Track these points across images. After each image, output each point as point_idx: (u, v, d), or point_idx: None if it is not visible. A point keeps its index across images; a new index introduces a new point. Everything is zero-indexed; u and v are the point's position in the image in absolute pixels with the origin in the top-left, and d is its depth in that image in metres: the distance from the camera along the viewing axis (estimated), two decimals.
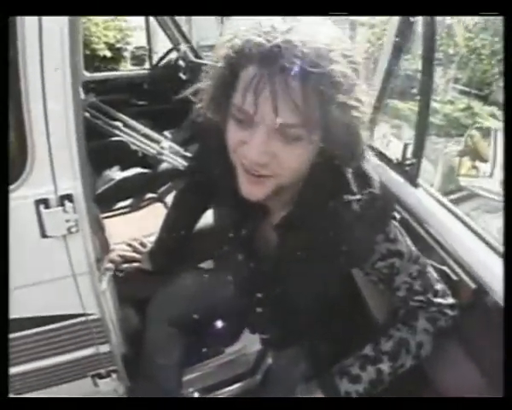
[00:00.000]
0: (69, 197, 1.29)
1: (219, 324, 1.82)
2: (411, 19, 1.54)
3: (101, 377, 1.73)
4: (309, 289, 1.20)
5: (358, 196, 1.04)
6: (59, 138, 1.25)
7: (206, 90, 0.99)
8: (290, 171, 0.94)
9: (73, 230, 1.32)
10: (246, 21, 0.92)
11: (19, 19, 1.09)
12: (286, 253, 1.15)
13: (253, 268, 1.27)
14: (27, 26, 1.10)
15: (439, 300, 1.15)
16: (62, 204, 1.28)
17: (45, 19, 1.11)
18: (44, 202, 1.27)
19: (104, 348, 1.65)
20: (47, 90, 1.19)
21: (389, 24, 1.70)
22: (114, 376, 1.75)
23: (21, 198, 1.26)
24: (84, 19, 4.51)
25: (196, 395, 1.84)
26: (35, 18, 1.10)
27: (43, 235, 1.31)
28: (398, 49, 1.69)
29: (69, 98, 1.22)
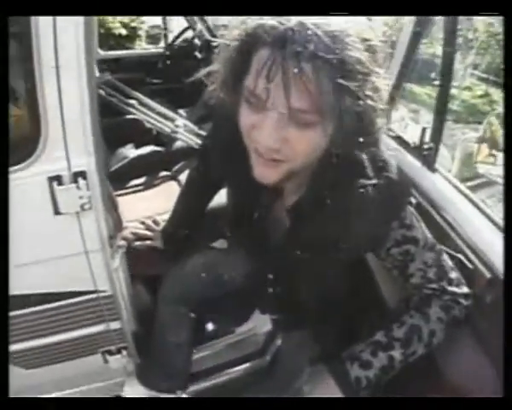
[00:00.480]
0: (82, 174, 1.29)
1: (230, 303, 1.82)
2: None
3: (111, 353, 1.75)
4: (320, 272, 1.19)
5: (374, 181, 1.02)
6: (72, 115, 1.24)
7: (218, 72, 0.97)
8: (302, 156, 0.92)
9: (86, 207, 1.32)
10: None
11: None
12: (297, 236, 1.14)
13: (265, 249, 1.26)
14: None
15: (453, 288, 1.13)
16: (76, 181, 1.28)
17: None
18: (58, 179, 1.27)
19: (115, 325, 1.66)
20: (60, 66, 1.18)
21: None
22: (124, 353, 1.76)
23: (34, 175, 1.26)
24: None
25: (179, 393, 1.84)
26: None
27: (57, 212, 1.31)
28: (417, 33, 1.66)
29: (83, 74, 1.22)
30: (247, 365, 2.06)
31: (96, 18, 3.62)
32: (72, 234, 1.37)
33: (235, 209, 1.32)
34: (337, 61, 0.80)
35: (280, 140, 0.88)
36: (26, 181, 1.27)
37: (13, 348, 1.56)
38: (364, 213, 1.03)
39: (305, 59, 0.79)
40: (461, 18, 1.40)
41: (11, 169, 1.25)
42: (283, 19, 0.82)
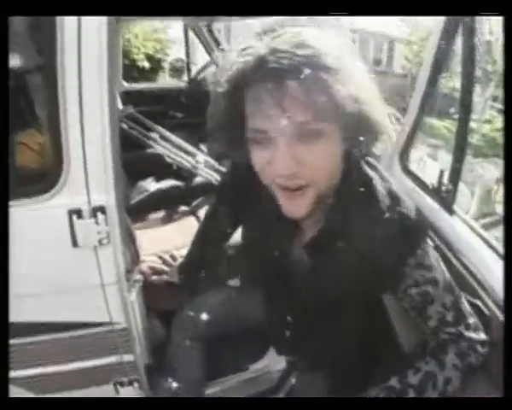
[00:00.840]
0: (102, 209, 1.31)
1: (244, 341, 1.81)
2: (451, 35, 1.51)
3: (122, 384, 1.74)
4: (339, 314, 1.19)
5: (387, 215, 1.02)
6: (94, 150, 1.28)
7: (214, 117, 1.01)
8: (322, 172, 0.94)
9: (104, 241, 1.34)
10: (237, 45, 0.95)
11: (59, 24, 1.13)
12: (315, 275, 1.14)
13: (284, 290, 1.26)
14: (66, 31, 1.14)
15: (470, 334, 1.11)
16: (95, 216, 1.31)
17: (84, 24, 1.15)
18: (77, 213, 1.30)
19: (128, 358, 1.66)
20: (84, 99, 1.22)
21: (428, 40, 1.67)
22: (136, 385, 1.76)
23: (55, 207, 1.29)
24: (124, 29, 4.59)
25: None
26: (75, 23, 1.14)
27: (75, 244, 1.33)
28: (437, 67, 1.65)
29: (105, 109, 1.25)
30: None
31: (120, 50, 3.75)
32: (89, 267, 1.39)
33: (252, 247, 1.32)
34: (310, 64, 0.85)
35: (294, 163, 0.90)
36: (46, 212, 1.30)
37: (27, 372, 1.58)
38: (379, 249, 1.03)
39: (286, 75, 0.84)
40: (480, 50, 1.41)
41: (33, 199, 1.28)
42: (258, 52, 0.88)
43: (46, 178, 1.31)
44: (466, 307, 1.14)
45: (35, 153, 1.50)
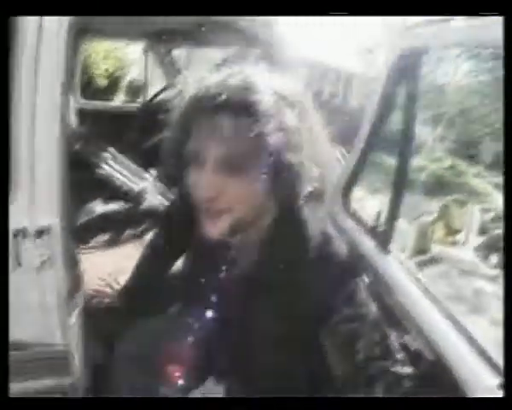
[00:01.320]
0: (46, 231, 1.32)
1: (181, 368, 1.82)
2: (399, 76, 1.58)
3: None
4: (271, 343, 1.22)
5: (316, 255, 1.09)
6: (42, 172, 1.30)
7: (165, 140, 1.08)
8: (240, 203, 1.02)
9: (47, 264, 1.35)
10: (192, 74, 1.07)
11: (19, 25, 1.15)
12: (248, 304, 1.19)
13: (217, 317, 1.29)
14: (26, 32, 1.16)
15: (397, 369, 1.16)
16: (39, 237, 1.32)
17: (46, 26, 1.17)
18: (22, 233, 1.30)
19: (67, 380, 1.65)
20: (36, 114, 1.25)
21: (378, 78, 1.74)
22: None
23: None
24: (86, 45, 4.55)
25: None
26: (35, 24, 1.16)
27: (18, 263, 1.33)
28: (385, 104, 1.72)
29: (56, 129, 1.29)
30: None
31: (80, 65, 3.72)
32: (30, 287, 1.39)
33: (190, 275, 1.36)
34: (245, 106, 0.94)
35: (215, 188, 0.98)
36: None
37: None
38: (308, 287, 1.09)
39: (218, 110, 0.95)
40: (432, 89, 1.46)
41: None
42: (206, 86, 0.98)
43: None
44: (393, 343, 1.19)
45: None
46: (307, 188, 1.07)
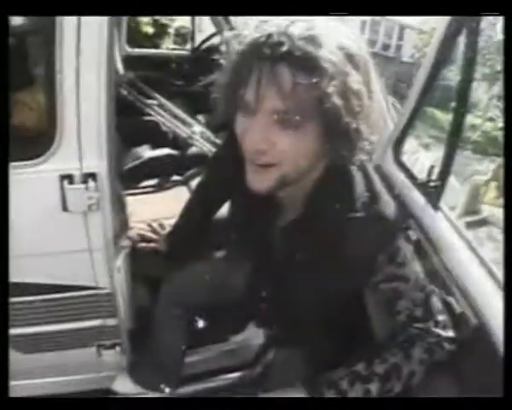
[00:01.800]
0: (93, 176, 1.34)
1: (227, 312, 1.85)
2: (456, 31, 1.50)
3: (105, 347, 1.79)
4: (312, 295, 1.21)
5: (361, 214, 1.06)
6: (89, 115, 1.29)
7: (217, 85, 1.04)
8: (290, 160, 0.97)
9: (94, 208, 1.37)
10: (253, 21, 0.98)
11: None
12: (290, 257, 1.17)
13: (260, 266, 1.30)
14: None
15: (438, 331, 1.14)
16: (86, 182, 1.33)
17: None
18: (69, 178, 1.32)
19: (111, 322, 1.70)
20: (81, 61, 1.23)
21: (436, 31, 1.66)
22: (118, 349, 1.80)
23: (47, 171, 1.32)
24: None
25: (167, 390, 1.87)
26: None
27: (65, 209, 1.36)
28: (441, 59, 1.64)
29: (103, 72, 1.27)
30: (237, 374, 2.08)
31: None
32: (77, 231, 1.42)
33: (236, 223, 1.35)
34: (309, 61, 0.87)
35: (266, 142, 0.94)
36: (38, 176, 1.32)
37: (12, 332, 1.60)
38: (351, 245, 1.06)
39: (279, 61, 0.88)
40: (489, 46, 1.41)
41: (25, 163, 1.30)
42: (268, 31, 0.90)
43: (40, 142, 1.32)
44: (436, 304, 1.16)
45: (34, 112, 1.51)
46: (359, 152, 1.04)
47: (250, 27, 0.95)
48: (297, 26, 0.90)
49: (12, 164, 1.30)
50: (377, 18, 18.43)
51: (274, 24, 0.92)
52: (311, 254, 1.12)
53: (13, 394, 1.59)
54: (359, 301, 1.36)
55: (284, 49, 0.87)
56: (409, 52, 18.40)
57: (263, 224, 1.23)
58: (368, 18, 17.61)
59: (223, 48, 3.69)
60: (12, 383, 1.62)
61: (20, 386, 1.76)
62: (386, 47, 19.18)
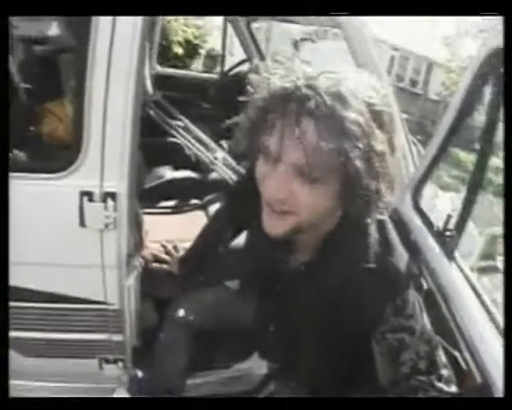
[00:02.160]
0: (113, 195, 1.36)
1: (232, 340, 1.85)
2: (485, 74, 1.49)
3: (107, 361, 1.80)
4: (317, 336, 1.21)
5: (373, 266, 1.05)
6: (114, 135, 1.33)
7: (240, 127, 1.04)
8: (308, 210, 0.97)
9: (111, 226, 1.39)
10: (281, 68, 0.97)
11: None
12: (298, 298, 1.17)
13: (269, 302, 1.30)
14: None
15: (441, 385, 1.13)
16: (105, 200, 1.36)
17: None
18: (89, 195, 1.35)
19: (117, 337, 1.71)
20: (111, 79, 1.27)
21: (468, 70, 1.65)
22: (120, 364, 1.81)
23: (68, 186, 1.35)
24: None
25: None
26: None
27: (82, 224, 1.38)
28: (470, 101, 1.61)
29: (131, 94, 1.30)
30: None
31: (158, 31, 3.77)
32: (92, 247, 1.44)
33: (250, 255, 1.36)
34: (335, 121, 0.87)
35: (286, 191, 0.94)
36: (60, 190, 1.35)
37: (18, 334, 1.63)
38: (359, 295, 1.06)
39: (305, 116, 0.87)
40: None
41: (47, 176, 1.34)
42: (296, 81, 0.90)
43: (65, 156, 1.36)
44: (441, 358, 1.14)
45: (63, 123, 1.54)
46: (377, 211, 1.04)
47: (277, 75, 0.96)
48: (324, 79, 0.90)
49: (35, 175, 1.33)
50: (406, 53, 18.49)
51: (302, 74, 0.92)
52: (319, 298, 1.12)
53: (11, 394, 1.62)
54: (365, 346, 1.35)
55: (311, 104, 0.87)
56: (436, 89, 18.38)
57: (275, 261, 1.23)
58: (397, 53, 17.68)
59: (251, 76, 3.76)
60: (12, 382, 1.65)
61: (18, 386, 1.77)
62: (413, 83, 19.20)
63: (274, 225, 1.02)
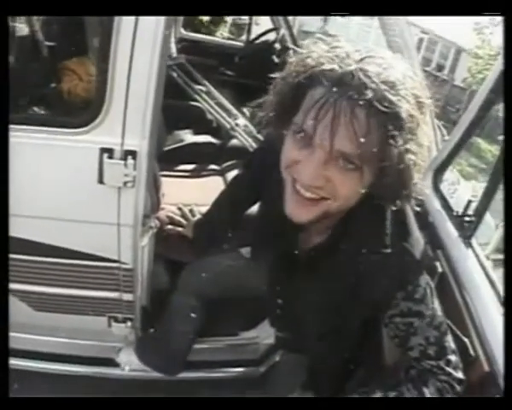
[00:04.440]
0: (133, 154, 1.35)
1: (242, 308, 1.86)
2: None
3: (116, 320, 1.82)
4: (327, 314, 1.21)
5: (388, 250, 1.05)
6: (137, 94, 1.31)
7: (270, 103, 1.02)
8: (342, 198, 0.95)
9: (129, 185, 1.39)
10: (320, 45, 0.95)
11: None
12: (310, 277, 1.17)
13: (281, 275, 1.29)
14: None
15: (450, 369, 1.12)
16: (125, 158, 1.35)
17: None
18: (109, 152, 1.34)
19: (127, 297, 1.72)
20: (137, 39, 1.25)
21: (497, 60, 1.61)
22: (129, 324, 1.83)
23: (89, 142, 1.34)
24: None
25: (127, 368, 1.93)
26: None
27: (100, 181, 1.38)
28: (497, 91, 1.56)
29: (157, 52, 1.28)
30: (240, 369, 2.10)
31: None
32: (109, 205, 1.45)
33: (264, 225, 1.35)
34: (390, 112, 0.84)
35: (323, 178, 0.91)
36: (79, 146, 1.35)
37: (30, 288, 1.67)
38: (370, 278, 1.06)
39: (360, 105, 0.84)
40: None
41: (68, 131, 1.33)
42: (343, 63, 0.88)
43: (86, 112, 1.35)
44: (450, 344, 1.14)
45: (83, 82, 1.54)
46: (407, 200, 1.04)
47: (318, 51, 0.93)
48: (373, 65, 0.87)
49: (55, 130, 1.33)
50: (435, 37, 18.13)
51: (349, 55, 0.89)
52: (331, 278, 1.12)
53: (15, 345, 1.65)
54: (372, 327, 1.35)
55: (369, 94, 0.83)
56: (462, 76, 18.04)
57: (289, 237, 1.21)
58: (425, 36, 17.34)
59: (277, 45, 3.71)
60: (17, 335, 1.71)
61: (26, 340, 1.83)
62: (440, 68, 18.85)
63: (300, 213, 0.99)
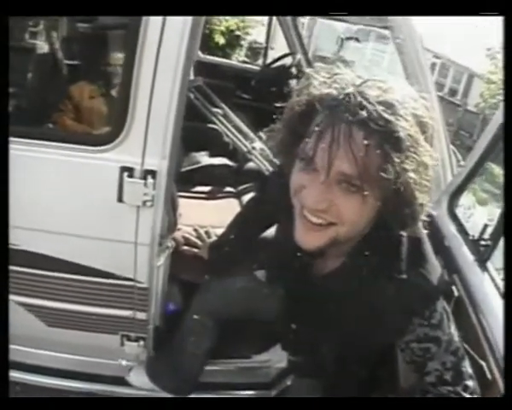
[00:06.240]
0: (153, 173, 1.37)
1: (255, 330, 1.85)
2: None
3: (129, 339, 1.82)
4: (342, 338, 1.20)
5: (404, 276, 1.04)
6: (159, 114, 1.34)
7: (278, 132, 1.04)
8: (348, 222, 0.95)
9: (148, 204, 1.41)
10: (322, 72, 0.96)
11: None
12: (325, 302, 1.16)
13: (295, 300, 1.29)
14: None
15: (466, 396, 1.11)
16: (145, 178, 1.37)
17: None
18: (129, 171, 1.37)
19: (141, 316, 1.73)
20: (160, 60, 1.28)
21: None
22: (141, 343, 1.83)
23: (109, 160, 1.37)
24: None
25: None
26: None
27: (120, 199, 1.40)
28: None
29: (178, 77, 1.31)
30: (251, 392, 2.09)
31: (203, 20, 3.78)
32: (127, 223, 1.46)
33: (280, 249, 1.35)
34: (387, 131, 0.86)
35: (326, 201, 0.92)
36: (101, 163, 1.37)
37: (44, 303, 1.68)
38: (387, 304, 1.05)
39: (357, 126, 0.85)
40: None
41: (88, 148, 1.36)
42: (343, 88, 0.89)
43: (107, 131, 1.39)
44: (467, 369, 1.12)
45: (105, 100, 1.56)
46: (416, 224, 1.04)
47: (319, 78, 0.95)
48: (372, 87, 0.89)
49: (76, 147, 1.36)
50: (448, 62, 18.17)
51: (349, 80, 0.91)
52: (346, 304, 1.11)
53: (26, 359, 1.68)
54: (387, 353, 1.34)
55: (364, 114, 0.85)
56: (474, 101, 18.00)
57: (304, 261, 1.21)
58: (438, 60, 17.38)
59: (293, 70, 3.75)
60: (28, 350, 1.77)
61: (38, 355, 1.85)
62: (453, 93, 18.84)
63: (308, 240, 1.00)
